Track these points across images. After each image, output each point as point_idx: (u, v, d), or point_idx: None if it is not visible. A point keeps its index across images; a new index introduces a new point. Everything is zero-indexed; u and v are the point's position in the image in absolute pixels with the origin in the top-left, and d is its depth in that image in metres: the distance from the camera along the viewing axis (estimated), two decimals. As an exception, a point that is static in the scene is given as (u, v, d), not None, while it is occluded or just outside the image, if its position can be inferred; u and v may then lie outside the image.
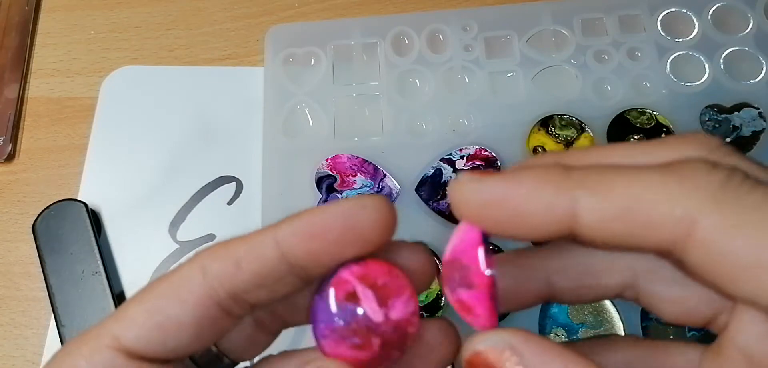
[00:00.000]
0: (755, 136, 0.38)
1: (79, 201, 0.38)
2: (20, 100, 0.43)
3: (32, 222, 0.37)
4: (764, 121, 0.38)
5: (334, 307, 0.17)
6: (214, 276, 0.17)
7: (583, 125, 0.39)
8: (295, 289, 0.17)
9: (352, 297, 0.17)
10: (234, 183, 0.40)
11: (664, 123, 0.39)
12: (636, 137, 0.38)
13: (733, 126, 0.38)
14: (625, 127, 0.39)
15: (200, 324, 0.17)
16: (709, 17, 0.41)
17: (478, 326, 0.17)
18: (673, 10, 0.42)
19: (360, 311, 0.17)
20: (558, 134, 0.39)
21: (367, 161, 0.38)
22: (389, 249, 0.18)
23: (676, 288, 0.17)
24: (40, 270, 0.36)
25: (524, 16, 0.42)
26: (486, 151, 0.38)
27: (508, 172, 0.16)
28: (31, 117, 0.43)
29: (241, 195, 0.39)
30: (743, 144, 0.38)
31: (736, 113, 0.39)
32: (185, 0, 0.46)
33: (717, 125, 0.38)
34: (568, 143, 0.39)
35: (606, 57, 0.41)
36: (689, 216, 0.14)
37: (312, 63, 0.42)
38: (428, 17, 0.43)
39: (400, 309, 0.17)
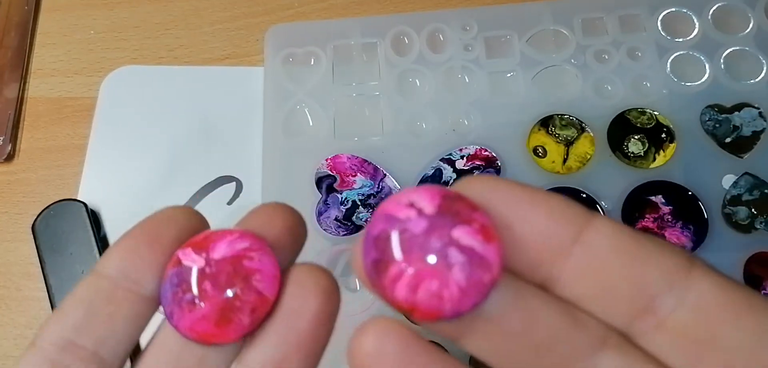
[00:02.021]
0: (755, 135, 0.38)
1: (79, 201, 0.38)
2: (20, 100, 0.43)
3: (32, 223, 0.37)
4: (764, 120, 0.38)
5: (164, 279, 0.17)
6: (42, 337, 0.17)
7: (583, 125, 0.39)
8: (139, 311, 0.17)
9: (177, 263, 0.17)
10: (234, 183, 0.40)
11: (665, 123, 0.39)
12: (636, 137, 0.38)
13: (734, 126, 0.38)
14: (625, 127, 0.39)
15: None
16: (709, 17, 0.41)
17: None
18: (673, 9, 0.42)
19: (183, 267, 0.17)
20: (558, 134, 0.39)
21: (367, 161, 0.38)
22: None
23: None
24: (40, 270, 0.36)
25: (524, 15, 0.42)
26: (486, 150, 0.38)
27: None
28: (31, 117, 0.43)
29: (240, 195, 0.39)
30: (743, 144, 0.38)
31: (736, 113, 0.39)
32: (184, 0, 0.46)
33: (717, 125, 0.38)
34: (569, 143, 0.39)
35: (606, 57, 0.41)
36: None
37: (312, 63, 0.42)
38: (428, 17, 0.42)
39: (223, 248, 0.17)
